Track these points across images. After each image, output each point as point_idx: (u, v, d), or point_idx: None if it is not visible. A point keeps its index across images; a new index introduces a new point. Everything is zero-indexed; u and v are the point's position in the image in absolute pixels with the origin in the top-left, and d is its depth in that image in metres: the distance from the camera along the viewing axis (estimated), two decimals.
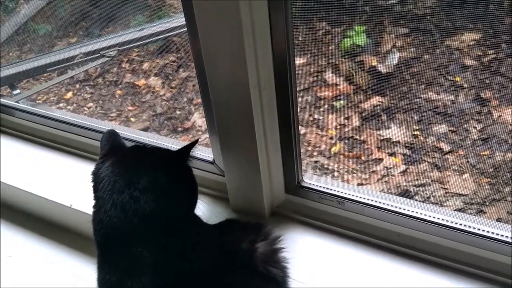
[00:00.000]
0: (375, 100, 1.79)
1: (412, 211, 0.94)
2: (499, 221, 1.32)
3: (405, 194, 1.51)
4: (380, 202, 0.97)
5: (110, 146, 0.92)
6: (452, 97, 1.69)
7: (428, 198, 1.50)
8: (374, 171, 1.63)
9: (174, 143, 1.20)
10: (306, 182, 1.04)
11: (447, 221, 0.92)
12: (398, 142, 1.67)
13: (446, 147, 1.60)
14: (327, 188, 1.01)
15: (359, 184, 1.59)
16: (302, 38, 1.98)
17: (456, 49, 1.72)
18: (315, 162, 1.70)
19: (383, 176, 1.61)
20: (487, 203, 1.45)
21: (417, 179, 1.56)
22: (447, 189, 1.52)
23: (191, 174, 0.93)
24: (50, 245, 1.22)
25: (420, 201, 1.48)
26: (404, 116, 1.72)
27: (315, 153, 1.73)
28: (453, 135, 1.62)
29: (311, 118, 1.84)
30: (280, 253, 0.88)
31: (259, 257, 0.85)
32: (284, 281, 0.86)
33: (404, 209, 0.95)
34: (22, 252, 1.22)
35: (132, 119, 2.10)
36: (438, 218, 0.92)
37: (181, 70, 2.25)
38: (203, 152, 1.11)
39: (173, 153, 0.91)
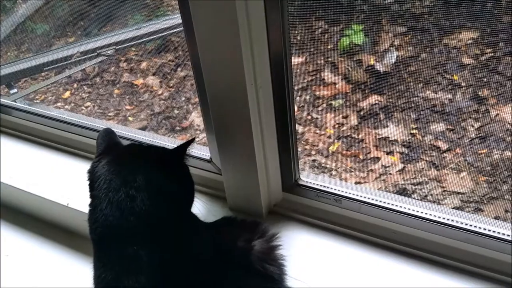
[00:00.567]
0: (373, 99, 1.80)
1: (409, 209, 0.94)
2: (497, 219, 1.32)
3: (402, 192, 1.52)
4: (377, 200, 0.97)
5: (106, 145, 0.92)
6: (449, 96, 1.69)
7: (426, 196, 1.50)
8: (371, 170, 1.63)
9: (172, 142, 1.19)
10: (303, 181, 1.04)
11: (444, 218, 0.92)
12: (396, 140, 1.67)
13: (443, 146, 1.60)
14: (324, 186, 1.01)
15: (356, 183, 1.60)
16: (300, 37, 1.98)
17: (454, 47, 1.72)
18: (313, 161, 1.70)
19: (380, 174, 1.61)
20: (485, 201, 1.45)
21: (415, 178, 1.56)
22: (444, 187, 1.52)
23: (188, 172, 0.93)
24: (47, 244, 1.21)
25: (418, 199, 1.48)
26: (401, 114, 1.72)
27: (313, 152, 1.73)
28: (451, 134, 1.62)
29: (309, 117, 1.84)
30: (277, 251, 0.88)
31: (256, 255, 0.85)
32: (281, 279, 0.86)
33: (401, 207, 0.95)
34: (19, 251, 1.21)
35: (130, 118, 2.09)
36: (435, 216, 0.92)
37: (179, 69, 2.25)
38: (200, 151, 1.11)
39: (169, 151, 0.91)
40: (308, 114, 1.85)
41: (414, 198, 1.48)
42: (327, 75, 1.93)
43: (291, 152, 1.00)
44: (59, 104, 2.26)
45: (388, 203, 0.96)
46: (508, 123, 1.60)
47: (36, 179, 1.26)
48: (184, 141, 0.90)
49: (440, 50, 1.74)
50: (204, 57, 0.85)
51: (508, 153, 1.52)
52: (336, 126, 1.80)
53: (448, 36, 1.71)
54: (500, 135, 1.58)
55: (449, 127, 1.64)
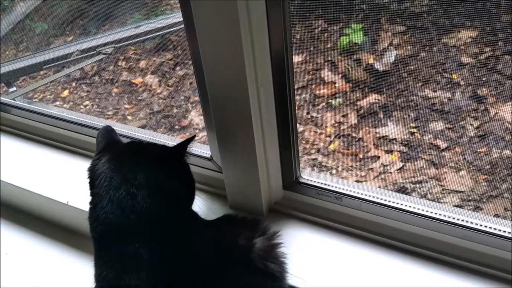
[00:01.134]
0: (372, 97, 1.80)
1: (410, 206, 0.95)
2: (497, 217, 1.32)
3: (402, 191, 1.52)
4: (377, 198, 0.97)
5: (106, 142, 0.92)
6: (449, 95, 1.69)
7: (425, 195, 1.51)
8: (371, 169, 1.63)
9: (172, 140, 1.19)
10: (304, 178, 1.04)
11: (444, 216, 0.92)
12: (395, 139, 1.68)
13: (443, 144, 1.60)
14: (325, 184, 1.01)
15: (356, 181, 1.60)
16: (299, 36, 1.98)
17: (453, 46, 1.72)
18: (313, 159, 1.70)
19: (380, 173, 1.61)
20: (484, 200, 1.45)
21: (414, 176, 1.56)
22: (444, 186, 1.52)
23: (188, 170, 0.93)
24: (46, 242, 1.21)
25: (418, 198, 1.48)
26: (401, 113, 1.72)
27: (312, 151, 1.73)
28: (450, 132, 1.62)
29: (308, 116, 1.84)
30: (278, 249, 0.88)
31: (257, 253, 0.85)
32: (282, 277, 0.86)
33: (402, 204, 0.95)
34: (18, 249, 1.21)
35: (129, 117, 2.09)
36: (436, 213, 0.92)
37: (178, 68, 2.25)
38: (201, 149, 1.11)
39: (170, 149, 0.91)
40: (308, 113, 1.85)
41: (414, 197, 1.48)
42: (327, 74, 1.93)
43: (291, 150, 1.00)
44: (57, 103, 2.26)
45: (389, 201, 0.96)
46: (507, 121, 1.60)
47: (36, 177, 1.26)
48: (184, 139, 0.90)
49: (439, 49, 1.74)
50: (205, 55, 0.85)
51: (507, 151, 1.52)
52: (336, 125, 1.80)
53: (447, 35, 1.72)
54: (499, 133, 1.58)
55: (448, 125, 1.64)
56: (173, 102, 2.11)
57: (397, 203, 0.96)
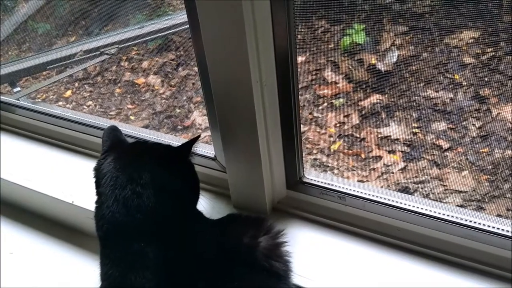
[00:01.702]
0: (375, 98, 1.80)
1: (413, 206, 0.95)
2: (499, 217, 1.32)
3: (404, 191, 1.52)
4: (380, 197, 0.97)
5: (112, 142, 0.92)
6: (451, 95, 1.69)
7: (428, 195, 1.51)
8: (373, 169, 1.64)
9: (177, 140, 1.20)
10: (308, 178, 1.04)
11: (447, 215, 0.92)
12: (398, 139, 1.68)
13: (445, 145, 1.61)
14: (328, 184, 1.01)
15: (358, 182, 1.60)
16: (302, 36, 1.98)
17: (455, 47, 1.73)
18: (315, 159, 1.71)
19: (382, 173, 1.62)
20: (486, 200, 1.45)
21: (417, 176, 1.57)
22: (446, 186, 1.52)
23: (193, 169, 0.94)
24: (51, 241, 1.22)
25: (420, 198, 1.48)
26: (403, 113, 1.73)
27: (315, 151, 1.73)
28: (452, 133, 1.63)
29: (310, 116, 1.85)
30: (283, 247, 0.88)
31: (262, 252, 0.85)
32: (286, 275, 0.86)
33: (405, 203, 0.95)
34: (23, 249, 1.22)
35: (132, 117, 2.10)
36: (438, 213, 0.93)
37: (180, 68, 2.25)
38: (205, 149, 1.12)
39: (175, 149, 0.92)
40: (310, 113, 1.86)
41: (417, 196, 1.48)
42: (329, 74, 1.93)
43: (295, 150, 1.00)
44: (60, 103, 2.26)
45: (392, 201, 0.96)
46: (509, 122, 1.60)
47: (41, 177, 1.26)
48: (189, 139, 0.91)
49: (441, 50, 1.75)
50: (210, 55, 0.86)
51: (509, 152, 1.53)
52: (338, 125, 1.80)
53: (449, 35, 1.72)
54: (502, 134, 1.59)
55: (450, 126, 1.64)
56: (175, 102, 2.11)
57: (400, 203, 0.96)
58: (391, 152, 1.66)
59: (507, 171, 1.49)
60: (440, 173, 1.55)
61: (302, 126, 1.78)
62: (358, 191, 0.99)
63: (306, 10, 1.63)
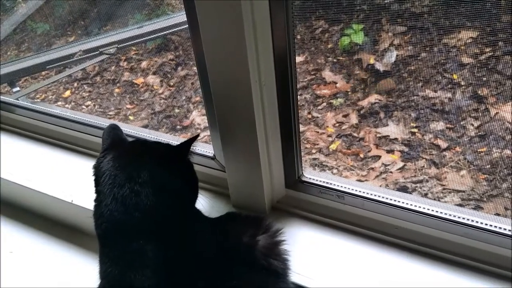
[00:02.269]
0: (373, 97, 1.80)
1: (411, 205, 0.95)
2: (498, 216, 1.33)
3: (403, 190, 1.52)
4: (379, 196, 0.97)
5: (111, 141, 0.92)
6: (449, 95, 1.70)
7: (426, 194, 1.51)
8: (372, 168, 1.64)
9: (176, 140, 1.20)
10: (306, 177, 1.04)
11: (446, 214, 0.93)
12: (396, 139, 1.68)
13: (443, 144, 1.61)
14: (327, 183, 1.02)
15: (357, 181, 1.60)
16: (301, 36, 1.99)
17: (453, 47, 1.73)
18: (314, 159, 1.71)
19: (381, 172, 1.62)
20: (485, 199, 1.46)
21: (415, 176, 1.57)
22: (444, 185, 1.53)
23: (192, 168, 0.94)
24: (51, 241, 1.22)
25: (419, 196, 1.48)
26: (401, 113, 1.73)
27: (313, 151, 1.73)
28: (451, 132, 1.63)
29: (309, 116, 1.85)
30: (281, 246, 0.88)
31: (260, 250, 0.85)
32: (285, 273, 0.87)
33: (403, 202, 0.96)
34: (23, 248, 1.22)
35: (131, 117, 2.10)
36: (437, 211, 0.93)
37: (179, 68, 2.25)
38: (204, 148, 1.12)
39: (174, 148, 0.92)
40: (309, 113, 1.86)
41: (415, 195, 1.49)
42: (327, 74, 1.93)
43: (294, 149, 1.01)
44: (59, 103, 2.26)
45: (391, 199, 0.97)
46: (507, 121, 1.61)
47: (40, 176, 1.26)
48: (187, 138, 0.91)
49: (439, 50, 1.75)
50: (209, 55, 0.86)
51: (507, 151, 1.53)
52: (337, 124, 1.80)
53: (447, 35, 1.72)
54: (500, 133, 1.59)
55: (448, 125, 1.65)
56: (174, 102, 2.11)
57: (399, 202, 0.96)
58: (390, 151, 1.66)
59: (505, 170, 1.50)
60: (438, 172, 1.56)
61: (301, 125, 1.78)
62: (357, 190, 1.00)
63: (305, 10, 1.63)
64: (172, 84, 2.20)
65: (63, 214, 1.23)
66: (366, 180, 1.61)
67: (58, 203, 1.18)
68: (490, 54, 1.65)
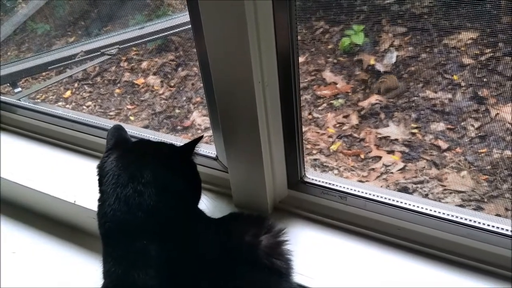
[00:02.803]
0: (374, 98, 1.81)
1: (413, 206, 0.96)
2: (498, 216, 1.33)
3: (403, 191, 1.53)
4: (381, 197, 0.98)
5: (115, 141, 0.93)
6: (449, 96, 1.70)
7: (427, 195, 1.51)
8: (373, 169, 1.64)
9: (176, 140, 1.20)
10: (309, 178, 1.05)
11: (447, 214, 0.93)
12: (397, 140, 1.68)
13: (444, 145, 1.61)
14: (330, 184, 1.02)
15: (358, 182, 1.60)
16: (301, 37, 1.99)
17: (454, 48, 1.73)
18: (315, 160, 1.71)
19: (382, 173, 1.62)
20: (485, 200, 1.46)
21: (416, 176, 1.57)
22: (445, 186, 1.53)
23: (195, 169, 0.94)
24: (54, 241, 1.22)
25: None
26: (402, 114, 1.73)
27: (314, 151, 1.74)
28: (451, 133, 1.63)
29: (310, 117, 1.85)
30: (284, 246, 0.89)
31: (263, 250, 0.85)
32: (288, 273, 0.87)
33: (405, 203, 0.96)
34: (26, 248, 1.22)
35: (132, 118, 2.10)
36: (439, 212, 0.93)
37: (180, 69, 2.25)
38: (206, 149, 1.12)
39: (178, 148, 0.92)
40: (309, 114, 1.86)
41: (417, 196, 1.49)
42: (328, 75, 1.94)
43: (296, 150, 1.01)
44: (60, 103, 2.26)
45: (393, 200, 0.97)
46: (508, 122, 1.61)
47: (43, 177, 1.26)
48: (189, 138, 0.91)
49: (440, 50, 1.75)
50: (212, 56, 0.86)
51: (508, 152, 1.53)
52: (337, 125, 1.81)
53: (448, 36, 1.73)
54: (500, 134, 1.59)
55: (449, 126, 1.65)
56: (175, 102, 2.12)
57: (401, 202, 0.97)
58: (390, 152, 1.66)
59: (505, 171, 1.50)
60: (439, 173, 1.56)
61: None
62: (359, 191, 1.00)
63: (306, 11, 1.63)
64: (172, 84, 2.20)
65: (65, 215, 1.23)
66: (367, 181, 1.61)
67: (61, 204, 1.18)
68: (490, 55, 1.65)
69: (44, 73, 2.22)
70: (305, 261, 0.95)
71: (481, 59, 1.68)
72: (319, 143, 1.76)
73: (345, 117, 1.81)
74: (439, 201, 1.48)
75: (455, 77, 1.71)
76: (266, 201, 1.04)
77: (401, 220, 0.97)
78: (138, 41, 1.93)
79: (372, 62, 1.85)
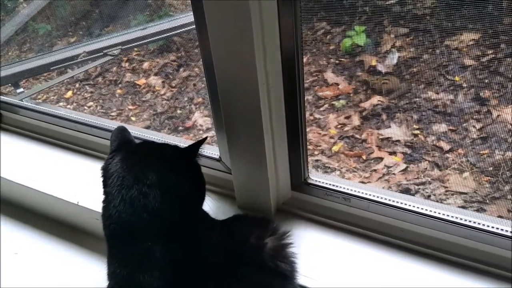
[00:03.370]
0: (375, 99, 1.81)
1: (417, 207, 0.96)
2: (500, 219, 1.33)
3: (406, 192, 1.53)
4: (385, 199, 0.98)
5: (119, 142, 0.93)
6: (451, 97, 1.70)
7: (429, 196, 1.51)
8: (375, 170, 1.64)
9: (183, 142, 1.20)
10: (312, 179, 1.04)
11: (451, 216, 0.93)
12: (399, 141, 1.68)
13: (446, 146, 1.61)
14: (333, 185, 1.02)
15: (360, 183, 1.60)
16: (303, 38, 1.99)
17: (455, 49, 1.73)
18: (316, 161, 1.71)
19: (383, 174, 1.62)
20: (487, 201, 1.46)
21: (418, 178, 1.57)
22: (447, 187, 1.53)
23: (199, 170, 0.94)
24: (56, 242, 1.22)
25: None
26: (404, 115, 1.73)
27: (316, 152, 1.74)
28: (453, 134, 1.63)
29: (311, 118, 1.85)
30: (289, 248, 0.89)
31: (268, 252, 0.85)
32: (292, 276, 0.87)
33: (409, 205, 0.96)
34: (28, 249, 1.22)
35: (133, 118, 2.10)
36: (442, 214, 0.93)
37: (181, 69, 2.25)
38: (209, 150, 1.12)
39: (182, 150, 0.92)
40: (311, 115, 1.86)
41: (421, 198, 1.49)
42: (330, 75, 1.94)
43: (300, 151, 1.01)
44: (61, 104, 2.26)
45: (397, 202, 0.97)
46: (510, 124, 1.61)
47: (46, 178, 1.26)
48: (191, 140, 0.91)
49: (441, 52, 1.75)
50: (217, 56, 0.86)
51: (510, 153, 1.53)
52: (339, 126, 1.81)
53: (449, 37, 1.73)
54: (502, 135, 1.59)
55: (451, 127, 1.65)
56: (176, 103, 2.11)
57: (405, 204, 0.97)
58: (392, 153, 1.66)
59: (507, 172, 1.50)
60: (441, 174, 1.56)
61: None
62: (362, 192, 1.00)
63: (307, 12, 1.63)
64: (174, 85, 2.20)
65: (68, 216, 1.23)
66: (369, 182, 1.61)
67: (64, 205, 1.18)
68: (492, 56, 1.65)
69: (45, 74, 2.22)
70: (309, 262, 0.95)
71: (483, 60, 1.68)
72: (320, 144, 1.76)
73: (346, 118, 1.81)
74: (441, 202, 1.48)
75: (457, 78, 1.71)
76: (270, 202, 1.04)
77: (405, 222, 0.97)
78: (140, 42, 1.93)
79: (373, 63, 1.85)
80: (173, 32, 1.95)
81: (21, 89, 1.66)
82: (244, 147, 0.97)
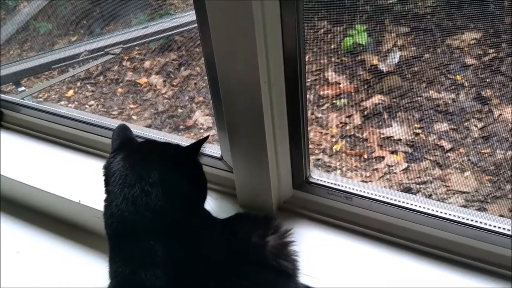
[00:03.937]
0: (377, 98, 1.81)
1: (419, 206, 0.95)
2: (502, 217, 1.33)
3: (407, 191, 1.53)
4: (387, 198, 0.98)
5: (121, 141, 0.92)
6: (453, 96, 1.70)
7: (430, 195, 1.51)
8: (376, 169, 1.64)
9: (185, 141, 1.20)
10: (314, 178, 1.04)
11: (453, 215, 0.93)
12: (400, 140, 1.69)
13: (447, 145, 1.61)
14: (335, 184, 1.02)
15: (361, 182, 1.60)
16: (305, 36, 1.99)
17: (457, 48, 1.74)
18: (318, 160, 1.71)
19: (385, 173, 1.62)
20: (489, 201, 1.46)
21: (419, 177, 1.57)
22: (448, 186, 1.53)
23: (201, 169, 0.94)
24: (59, 241, 1.22)
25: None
26: (405, 114, 1.73)
27: (317, 151, 1.74)
28: (454, 133, 1.63)
29: (313, 116, 1.85)
30: (291, 247, 0.89)
31: (270, 251, 0.85)
32: (294, 274, 0.87)
33: (411, 204, 0.96)
34: (30, 248, 1.22)
35: (134, 117, 2.10)
36: (444, 213, 0.93)
37: (182, 68, 2.26)
38: (211, 149, 1.12)
39: (184, 149, 0.92)
40: (312, 113, 1.86)
41: (423, 197, 1.49)
42: (331, 74, 1.94)
43: (302, 150, 1.01)
44: (62, 102, 2.27)
45: (398, 201, 0.97)
46: (511, 123, 1.61)
47: (48, 176, 1.26)
48: (193, 138, 0.91)
49: (443, 51, 1.75)
50: (219, 55, 0.86)
51: (511, 152, 1.53)
52: (340, 125, 1.81)
53: (451, 36, 1.73)
54: (504, 135, 1.60)
55: (452, 127, 1.65)
56: (177, 102, 2.12)
57: (407, 203, 0.96)
58: (394, 152, 1.67)
59: (509, 171, 1.50)
60: (443, 173, 1.56)
61: None
62: (364, 191, 1.00)
63: (308, 11, 1.63)
64: (175, 84, 2.21)
65: (70, 214, 1.23)
66: (370, 181, 1.61)
67: (66, 203, 1.18)
68: (493, 55, 1.65)
69: (46, 72, 2.22)
70: (311, 261, 0.95)
71: (484, 59, 1.68)
72: (322, 143, 1.77)
73: (348, 117, 1.82)
74: (443, 201, 1.48)
75: (458, 77, 1.71)
76: (271, 201, 1.03)
77: (407, 221, 0.97)
78: (142, 41, 1.94)
79: (375, 62, 1.86)
80: (175, 31, 1.95)
81: (23, 88, 1.66)
82: (246, 146, 0.97)
